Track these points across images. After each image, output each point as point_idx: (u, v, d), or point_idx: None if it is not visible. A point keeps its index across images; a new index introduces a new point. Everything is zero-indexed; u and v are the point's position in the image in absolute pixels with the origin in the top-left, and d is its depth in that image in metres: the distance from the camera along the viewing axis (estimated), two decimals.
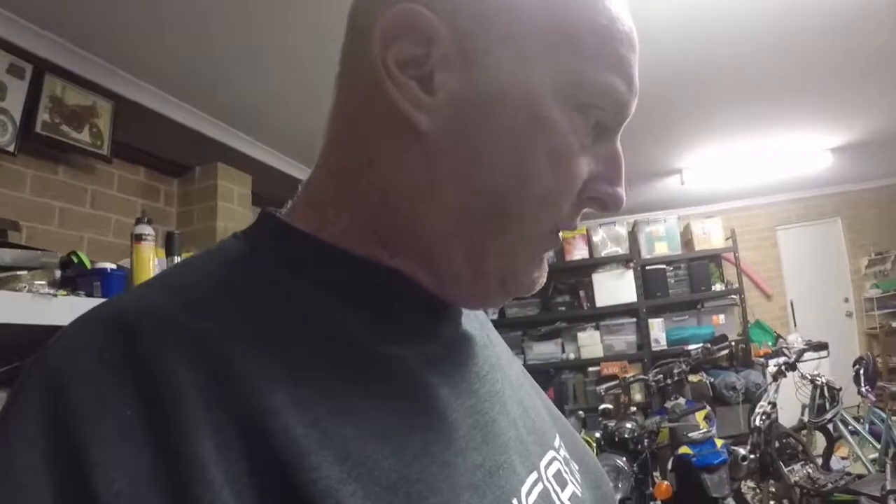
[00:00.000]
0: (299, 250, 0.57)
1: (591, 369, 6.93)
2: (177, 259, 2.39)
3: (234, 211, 4.00)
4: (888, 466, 4.17)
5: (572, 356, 7.00)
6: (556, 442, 0.69)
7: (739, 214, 8.65)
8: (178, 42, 3.05)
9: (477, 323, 0.73)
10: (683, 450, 3.89)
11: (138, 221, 2.32)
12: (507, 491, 0.53)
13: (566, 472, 0.65)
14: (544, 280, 0.62)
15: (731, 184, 7.60)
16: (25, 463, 0.37)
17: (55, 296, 1.89)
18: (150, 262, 2.28)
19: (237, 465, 0.39)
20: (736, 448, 4.13)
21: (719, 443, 3.96)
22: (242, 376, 0.43)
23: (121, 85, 3.30)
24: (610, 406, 4.94)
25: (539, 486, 0.58)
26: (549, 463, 0.64)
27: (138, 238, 2.29)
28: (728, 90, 4.63)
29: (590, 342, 6.97)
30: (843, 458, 5.72)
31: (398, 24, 0.53)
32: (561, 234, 0.61)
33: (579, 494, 0.64)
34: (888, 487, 3.37)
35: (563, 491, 0.62)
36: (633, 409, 5.57)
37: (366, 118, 0.57)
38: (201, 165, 3.90)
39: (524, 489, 0.55)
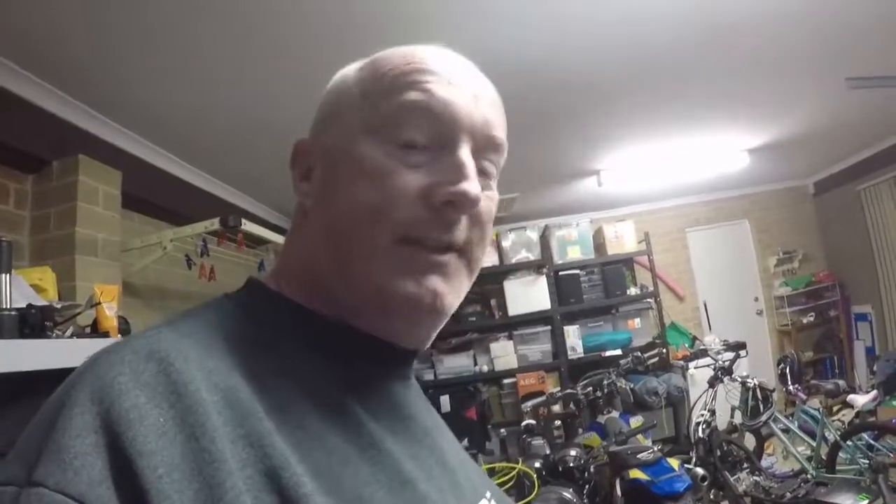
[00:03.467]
0: (281, 312, 0.72)
1: (506, 381, 6.66)
2: (5, 276, 1.88)
3: (99, 215, 3.30)
4: (881, 479, 4.01)
5: (486, 368, 6.67)
6: (488, 494, 0.80)
7: (650, 217, 8.58)
8: (31, 8, 2.51)
9: (419, 394, 0.85)
10: (635, 473, 3.49)
11: None
12: None
13: None
14: (432, 295, 0.69)
15: (644, 186, 7.56)
16: (79, 451, 0.47)
17: None
18: None
19: (245, 467, 0.51)
20: (693, 468, 3.80)
21: (674, 463, 3.57)
22: (247, 403, 0.56)
23: None
24: (533, 422, 4.63)
25: None
26: None
27: None
28: (650, 91, 4.51)
29: (503, 353, 6.67)
30: (769, 455, 5.70)
31: (294, 152, 0.78)
32: (437, 255, 0.69)
33: None
34: None
35: None
36: (557, 422, 5.34)
37: (294, 219, 0.79)
38: (60, 159, 3.21)
39: None
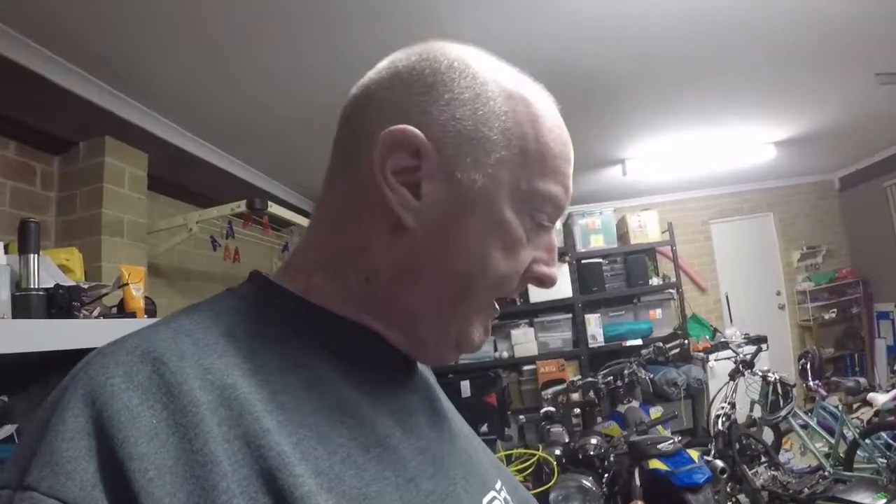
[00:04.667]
0: (287, 307, 0.69)
1: (526, 368, 6.64)
2: (33, 256, 1.82)
3: (125, 197, 3.32)
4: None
5: (506, 355, 6.67)
6: (498, 485, 0.81)
7: (674, 207, 8.48)
8: None
9: (430, 381, 0.88)
10: (655, 464, 3.45)
11: None
12: None
13: None
14: (484, 341, 0.77)
15: (669, 176, 7.48)
16: (72, 455, 0.47)
17: None
18: None
19: (241, 468, 0.51)
20: (713, 461, 3.77)
21: (694, 455, 3.54)
22: (244, 402, 0.55)
23: None
24: (553, 409, 4.61)
25: None
26: (491, 500, 0.76)
27: None
28: (677, 82, 4.47)
29: (524, 340, 6.65)
30: (786, 451, 5.68)
31: (397, 139, 0.66)
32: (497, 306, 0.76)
33: None
34: None
35: None
36: (576, 410, 5.32)
37: (361, 211, 0.70)
38: (87, 140, 3.19)
39: None
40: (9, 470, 0.48)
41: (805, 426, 5.13)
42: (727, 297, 8.39)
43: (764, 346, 5.35)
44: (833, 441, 4.86)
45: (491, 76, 0.70)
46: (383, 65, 0.73)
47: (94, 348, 0.57)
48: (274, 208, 3.76)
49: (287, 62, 3.31)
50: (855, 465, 4.52)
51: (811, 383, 5.14)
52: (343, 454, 0.58)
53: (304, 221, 4.22)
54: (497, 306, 0.75)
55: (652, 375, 5.78)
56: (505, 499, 0.79)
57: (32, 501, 0.44)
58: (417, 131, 0.65)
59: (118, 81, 3.31)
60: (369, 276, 0.69)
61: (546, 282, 0.74)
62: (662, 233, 7.09)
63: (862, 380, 4.98)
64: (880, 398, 4.90)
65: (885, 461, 4.31)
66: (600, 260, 6.83)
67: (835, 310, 8.41)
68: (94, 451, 0.47)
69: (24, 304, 1.74)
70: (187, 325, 0.61)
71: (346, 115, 0.74)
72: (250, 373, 0.58)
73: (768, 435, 5.31)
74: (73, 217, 3.11)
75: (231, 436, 0.52)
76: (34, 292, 1.78)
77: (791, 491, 3.54)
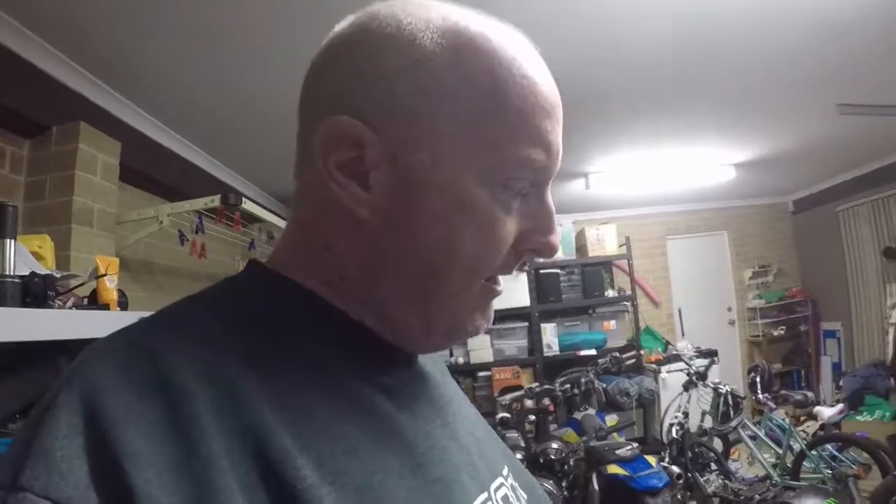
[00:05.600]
0: (285, 297, 0.67)
1: (480, 374, 6.65)
2: (9, 242, 1.74)
3: (97, 185, 3.19)
4: (851, 483, 4.15)
5: (461, 360, 6.65)
6: (505, 471, 0.78)
7: (632, 222, 8.56)
8: None
9: (433, 365, 0.84)
10: (614, 469, 3.53)
11: None
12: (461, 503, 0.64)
13: (514, 498, 0.75)
14: (489, 324, 0.72)
15: (629, 191, 7.54)
16: (65, 454, 0.45)
17: None
18: None
19: (241, 463, 0.49)
20: (670, 466, 3.86)
21: (652, 460, 3.63)
22: (242, 395, 0.53)
23: None
24: (509, 415, 4.66)
25: None
26: (499, 487, 0.72)
27: None
28: (646, 101, 4.52)
29: (480, 346, 6.63)
30: (734, 461, 5.80)
31: (333, 133, 0.62)
32: (500, 284, 0.70)
33: None
34: None
35: None
36: (531, 417, 5.38)
37: (320, 210, 0.68)
38: (60, 125, 3.08)
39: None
40: (2, 470, 0.47)
41: (754, 437, 5.27)
42: (680, 311, 8.59)
43: (716, 360, 5.48)
44: (780, 452, 5.03)
45: (431, 34, 0.62)
46: (330, 36, 0.69)
47: (70, 340, 0.56)
48: (248, 205, 3.74)
49: (279, 59, 3.27)
50: (801, 475, 4.67)
51: (760, 396, 5.28)
52: (345, 445, 0.56)
53: (276, 220, 4.27)
54: (496, 287, 0.69)
55: (605, 385, 5.88)
56: (512, 485, 0.77)
57: (26, 503, 0.43)
58: (354, 121, 0.61)
59: (96, 67, 3.23)
60: (342, 274, 0.67)
61: (544, 251, 0.68)
62: (620, 247, 7.18)
63: (810, 394, 5.16)
64: (826, 412, 5.08)
65: (831, 471, 4.47)
66: (558, 271, 6.89)
67: (783, 327, 8.61)
68: (88, 450, 0.45)
69: None
70: (182, 318, 0.61)
71: (302, 94, 0.71)
72: (248, 365, 0.56)
73: (717, 445, 5.42)
74: (41, 203, 3.02)
75: (230, 430, 0.50)
76: (9, 279, 1.70)
77: (742, 498, 3.64)
